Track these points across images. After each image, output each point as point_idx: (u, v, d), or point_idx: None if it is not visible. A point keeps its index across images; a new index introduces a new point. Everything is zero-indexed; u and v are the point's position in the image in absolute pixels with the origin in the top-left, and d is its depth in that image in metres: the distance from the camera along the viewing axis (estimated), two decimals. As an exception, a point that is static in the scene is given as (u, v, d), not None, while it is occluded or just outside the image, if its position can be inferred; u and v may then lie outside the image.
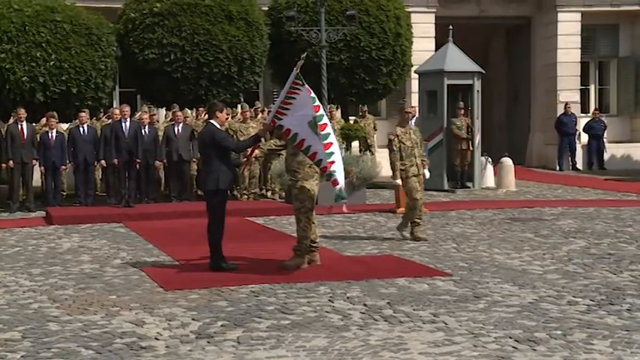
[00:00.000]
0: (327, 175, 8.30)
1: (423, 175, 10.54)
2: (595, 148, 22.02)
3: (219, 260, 8.53)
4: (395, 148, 10.40)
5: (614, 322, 6.22)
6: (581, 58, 22.56)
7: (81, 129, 14.26)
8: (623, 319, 6.29)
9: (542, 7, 23.02)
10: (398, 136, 10.42)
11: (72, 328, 6.28)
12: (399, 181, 10.48)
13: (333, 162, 8.08)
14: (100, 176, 15.68)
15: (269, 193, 15.78)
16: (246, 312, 6.68)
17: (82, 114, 14.36)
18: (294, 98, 8.35)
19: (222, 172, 8.47)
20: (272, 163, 15.19)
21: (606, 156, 22.08)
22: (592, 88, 23.66)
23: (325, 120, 8.27)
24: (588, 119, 22.24)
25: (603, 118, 22.38)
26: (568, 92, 22.34)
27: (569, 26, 22.29)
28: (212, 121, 8.68)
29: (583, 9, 22.27)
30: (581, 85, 22.86)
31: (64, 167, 14.42)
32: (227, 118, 8.62)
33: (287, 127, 8.38)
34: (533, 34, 23.55)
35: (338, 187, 8.11)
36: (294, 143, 8.38)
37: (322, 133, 8.11)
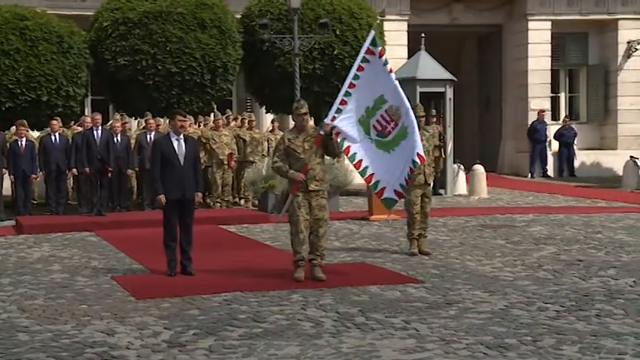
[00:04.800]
0: (372, 186, 8.42)
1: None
2: (565, 156, 22.25)
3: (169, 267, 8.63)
4: None
5: (583, 327, 6.29)
6: (552, 65, 22.82)
7: (53, 137, 14.14)
8: (592, 325, 6.36)
9: (513, 15, 23.26)
10: None
11: (42, 338, 6.22)
12: None
13: (373, 174, 8.24)
14: (72, 184, 15.56)
15: (242, 201, 15.76)
16: (218, 320, 6.67)
17: (54, 122, 14.24)
18: (359, 78, 8.32)
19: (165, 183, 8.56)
20: (245, 171, 15.20)
21: (576, 163, 22.30)
22: (562, 95, 23.91)
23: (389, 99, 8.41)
24: (559, 127, 22.49)
25: (573, 126, 22.64)
26: (539, 100, 22.59)
27: (539, 34, 22.54)
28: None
29: (553, 17, 22.54)
30: (552, 92, 23.12)
31: (34, 176, 14.29)
32: (181, 126, 8.73)
33: (339, 128, 8.34)
34: (504, 42, 23.78)
35: (383, 196, 8.35)
36: (342, 149, 8.39)
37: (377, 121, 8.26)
